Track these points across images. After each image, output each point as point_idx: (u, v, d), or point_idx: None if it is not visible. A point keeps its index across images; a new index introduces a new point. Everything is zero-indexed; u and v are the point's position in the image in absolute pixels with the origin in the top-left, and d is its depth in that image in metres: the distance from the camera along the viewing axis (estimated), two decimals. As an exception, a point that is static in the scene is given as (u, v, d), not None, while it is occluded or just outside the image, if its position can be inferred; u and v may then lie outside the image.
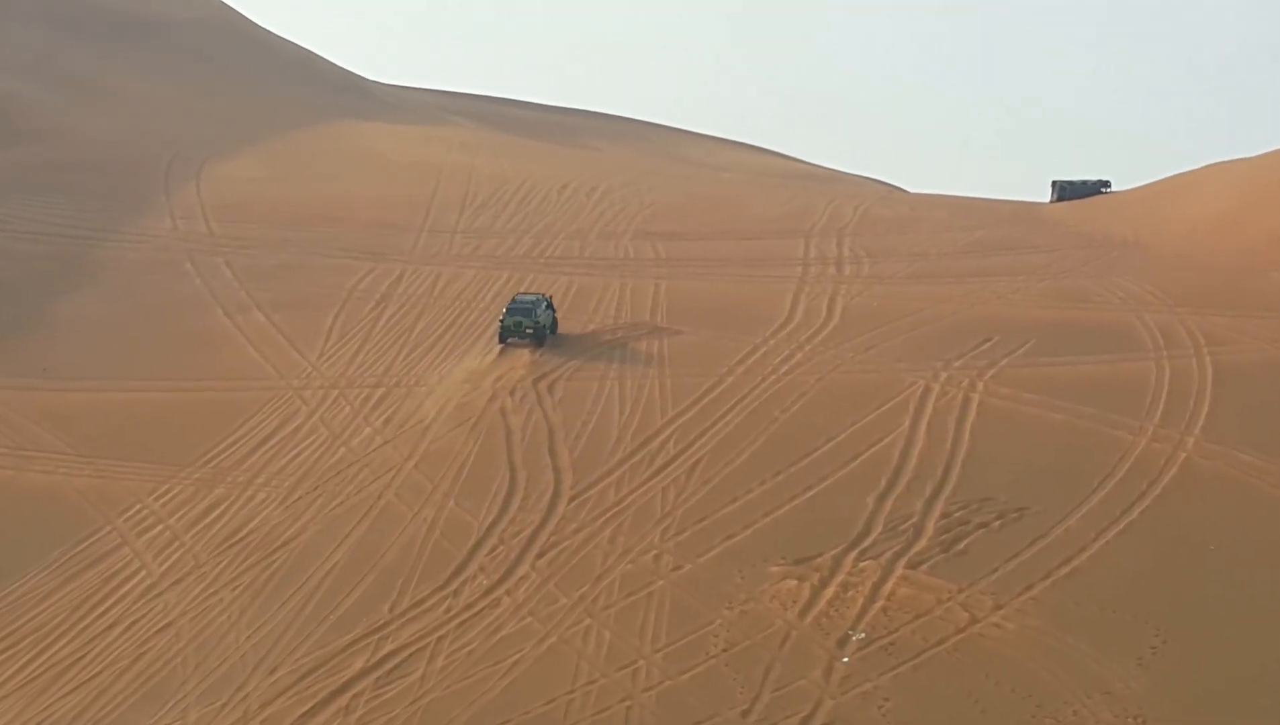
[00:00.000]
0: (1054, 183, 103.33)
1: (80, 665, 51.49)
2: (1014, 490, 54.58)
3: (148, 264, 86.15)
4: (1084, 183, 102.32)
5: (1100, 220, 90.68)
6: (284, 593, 53.14)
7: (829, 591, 49.65)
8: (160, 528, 59.06)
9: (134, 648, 51.72)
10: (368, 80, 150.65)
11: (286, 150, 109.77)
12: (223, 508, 59.80)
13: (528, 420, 62.58)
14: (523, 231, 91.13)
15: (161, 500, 60.94)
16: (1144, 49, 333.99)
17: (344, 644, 49.69)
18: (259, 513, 58.92)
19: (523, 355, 68.53)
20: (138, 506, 60.68)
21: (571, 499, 56.73)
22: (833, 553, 51.54)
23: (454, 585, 52.24)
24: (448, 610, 50.90)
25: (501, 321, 70.11)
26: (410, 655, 48.77)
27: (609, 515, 55.43)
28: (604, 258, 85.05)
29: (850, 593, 49.50)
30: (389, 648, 49.27)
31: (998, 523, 52.83)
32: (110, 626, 53.20)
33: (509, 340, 69.78)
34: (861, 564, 50.86)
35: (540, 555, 53.44)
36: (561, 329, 71.81)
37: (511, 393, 64.81)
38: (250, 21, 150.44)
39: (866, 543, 52.14)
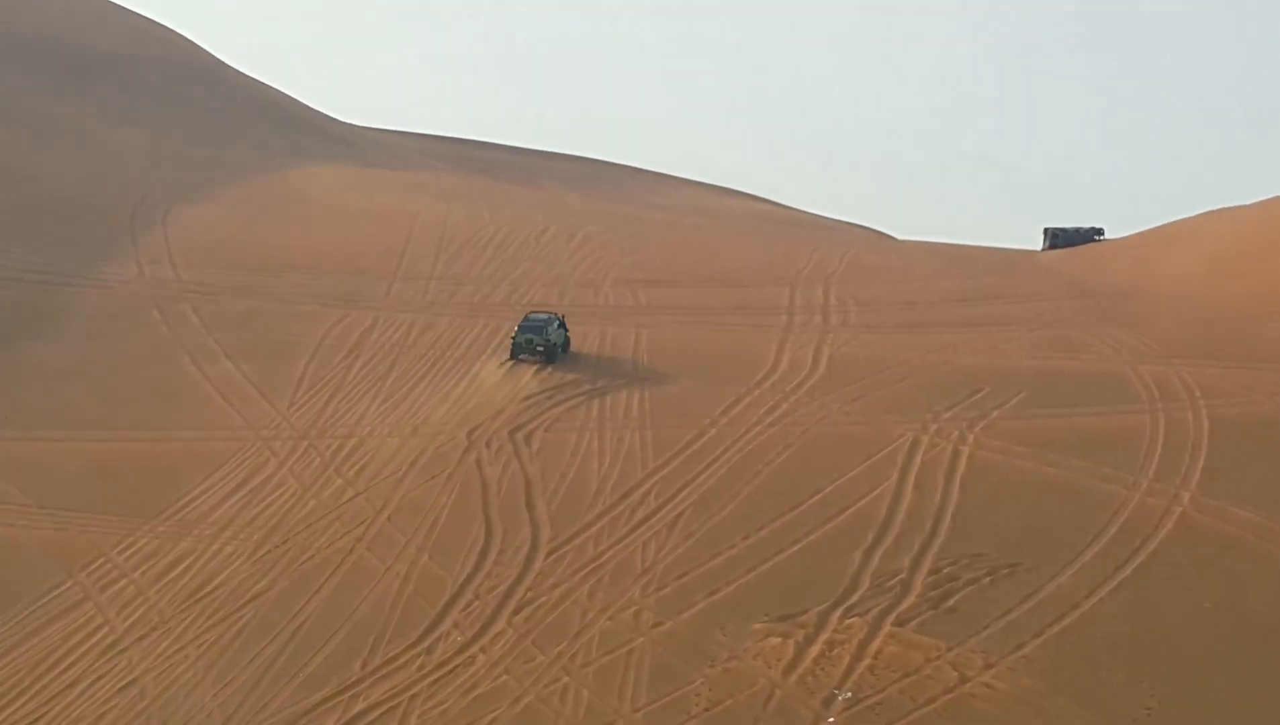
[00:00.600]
0: (1046, 230, 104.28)
1: (39, 726, 51.07)
2: (1005, 546, 54.30)
3: (113, 311, 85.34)
4: (1077, 230, 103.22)
5: (1093, 269, 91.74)
6: (252, 649, 52.64)
7: (814, 649, 49.24)
8: (124, 582, 58.49)
9: (96, 707, 51.09)
10: (338, 121, 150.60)
11: (255, 194, 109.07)
12: (189, 561, 59.30)
13: (504, 471, 62.21)
14: (499, 278, 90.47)
15: (126, 553, 60.37)
16: (1138, 96, 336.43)
17: (314, 702, 49.32)
18: (226, 566, 58.39)
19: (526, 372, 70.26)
20: (101, 560, 60.12)
21: (549, 553, 56.27)
22: (818, 609, 51.15)
23: (427, 642, 51.75)
24: (421, 668, 50.45)
25: (513, 338, 73.03)
26: (382, 714, 48.42)
27: (588, 570, 55.01)
28: (583, 305, 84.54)
29: (836, 651, 49.10)
30: (360, 706, 48.86)
31: (988, 579, 52.50)
32: (71, 684, 52.59)
33: (520, 357, 72.32)
34: (848, 621, 50.51)
35: (516, 611, 53.00)
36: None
37: (488, 443, 64.56)
38: (216, 59, 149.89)
39: (853, 599, 51.75)
